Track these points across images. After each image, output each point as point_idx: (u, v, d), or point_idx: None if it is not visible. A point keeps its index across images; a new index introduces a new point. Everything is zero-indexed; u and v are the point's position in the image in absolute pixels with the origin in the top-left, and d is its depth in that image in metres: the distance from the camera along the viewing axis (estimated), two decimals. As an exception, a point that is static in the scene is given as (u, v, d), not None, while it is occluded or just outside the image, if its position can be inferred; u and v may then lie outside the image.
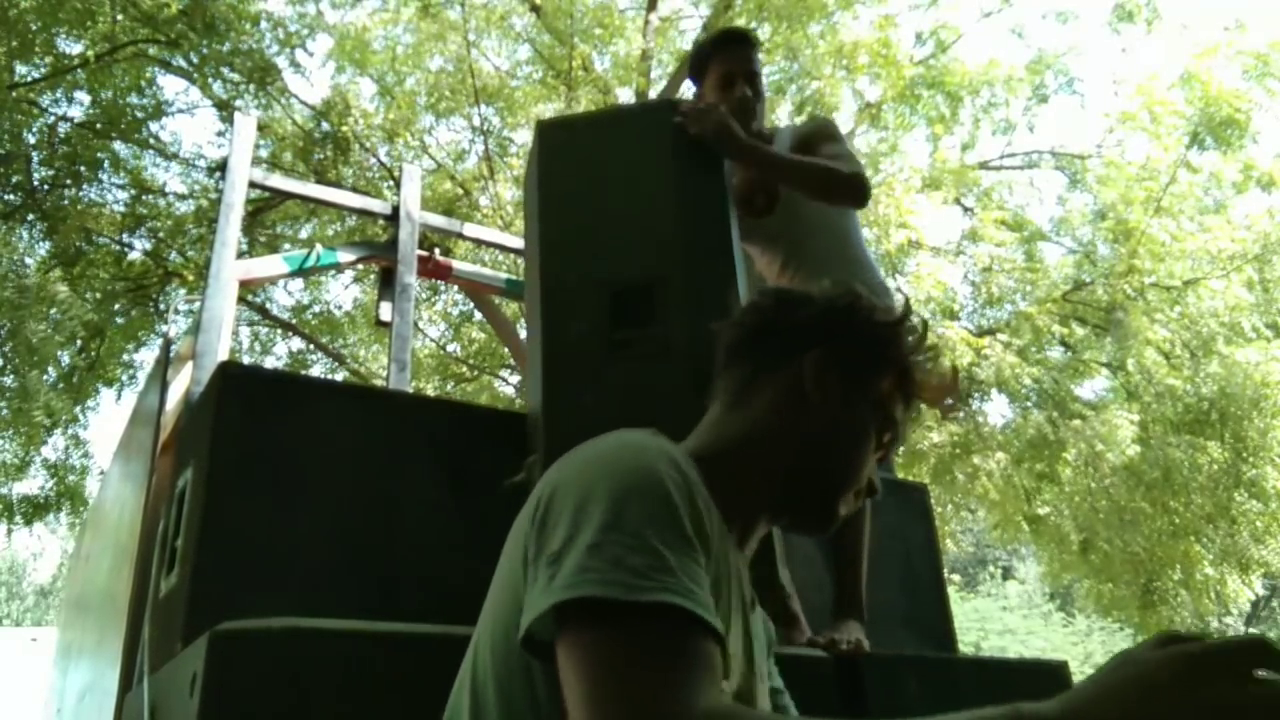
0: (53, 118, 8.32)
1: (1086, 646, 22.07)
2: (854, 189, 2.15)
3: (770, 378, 1.00)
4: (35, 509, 8.45)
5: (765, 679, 1.01)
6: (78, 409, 8.45)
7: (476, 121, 9.23)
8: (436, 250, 5.17)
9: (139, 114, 8.60)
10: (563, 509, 0.77)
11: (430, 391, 10.28)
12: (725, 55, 2.34)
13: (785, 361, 1.00)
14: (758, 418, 0.99)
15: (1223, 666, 0.55)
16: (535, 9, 9.21)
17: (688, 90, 2.74)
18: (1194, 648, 0.57)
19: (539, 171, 2.00)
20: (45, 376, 7.58)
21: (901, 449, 8.23)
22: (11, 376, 7.47)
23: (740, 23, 8.74)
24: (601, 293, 1.78)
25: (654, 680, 0.66)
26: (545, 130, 2.08)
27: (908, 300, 1.08)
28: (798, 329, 1.02)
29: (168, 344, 3.07)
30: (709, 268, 1.82)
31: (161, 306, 8.78)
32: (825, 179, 2.13)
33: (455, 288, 8.96)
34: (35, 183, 8.27)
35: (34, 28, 7.55)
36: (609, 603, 0.68)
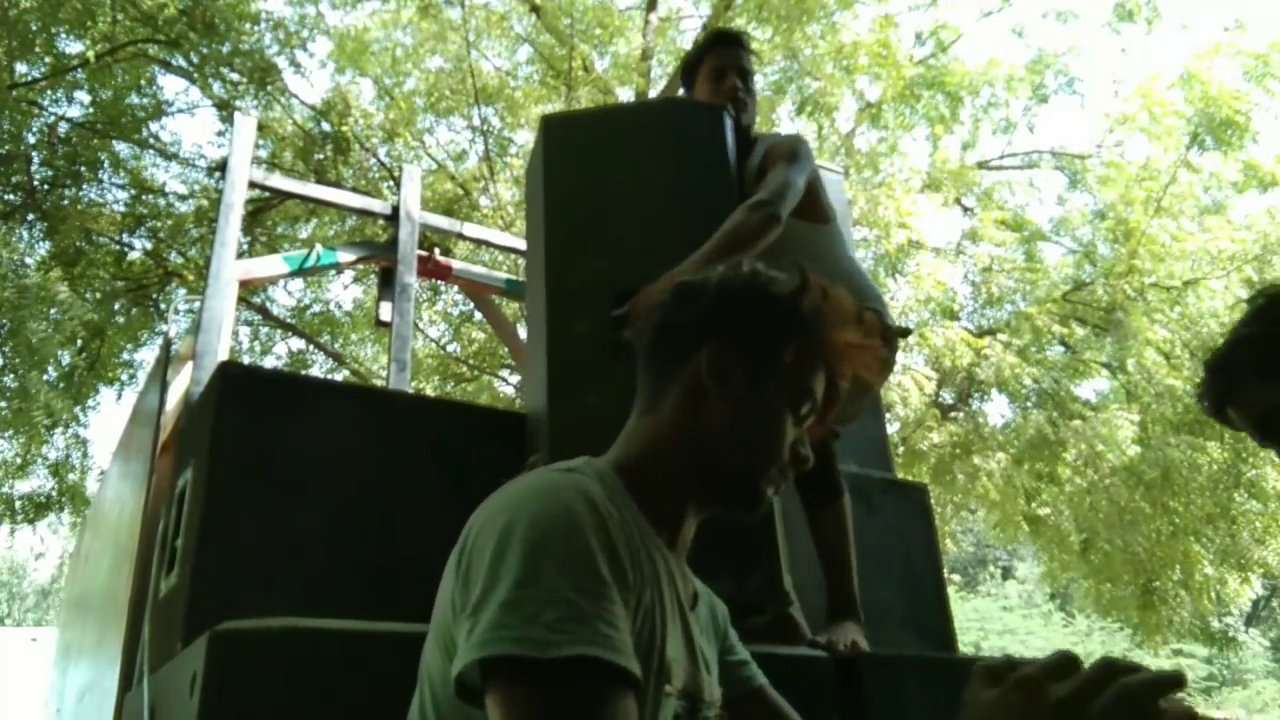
0: (53, 118, 8.33)
1: (1086, 646, 22.08)
2: (754, 229, 1.90)
3: (674, 378, 1.01)
4: (36, 508, 8.45)
5: (714, 667, 1.04)
6: (78, 409, 8.46)
7: (476, 121, 9.23)
8: (436, 250, 5.17)
9: (139, 114, 8.60)
10: (481, 560, 0.79)
11: (430, 391, 10.29)
12: (717, 52, 2.33)
13: (685, 359, 1.00)
14: (664, 420, 1.00)
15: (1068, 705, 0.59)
16: (535, 9, 9.21)
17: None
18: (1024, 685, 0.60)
19: (544, 167, 2.00)
20: (45, 376, 7.58)
21: (902, 450, 8.23)
22: (11, 376, 7.47)
23: (740, 23, 8.74)
24: (606, 293, 1.78)
25: None
26: (550, 125, 2.08)
27: (803, 269, 1.04)
28: (693, 323, 1.02)
29: (168, 344, 3.07)
30: None
31: (161, 306, 8.78)
32: (732, 242, 1.88)
33: (455, 288, 8.97)
34: (35, 183, 8.27)
35: (34, 28, 7.55)
36: (525, 660, 0.71)
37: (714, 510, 1.03)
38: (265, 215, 8.86)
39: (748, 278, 1.04)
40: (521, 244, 6.05)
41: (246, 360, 9.95)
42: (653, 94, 8.91)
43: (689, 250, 1.79)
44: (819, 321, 1.01)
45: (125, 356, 9.24)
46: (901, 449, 8.31)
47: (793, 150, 2.12)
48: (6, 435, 8.11)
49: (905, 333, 3.12)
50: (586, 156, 2.00)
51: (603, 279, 1.83)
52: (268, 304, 10.02)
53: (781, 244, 2.15)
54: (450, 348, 10.95)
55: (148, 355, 9.24)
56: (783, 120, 9.13)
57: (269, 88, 8.54)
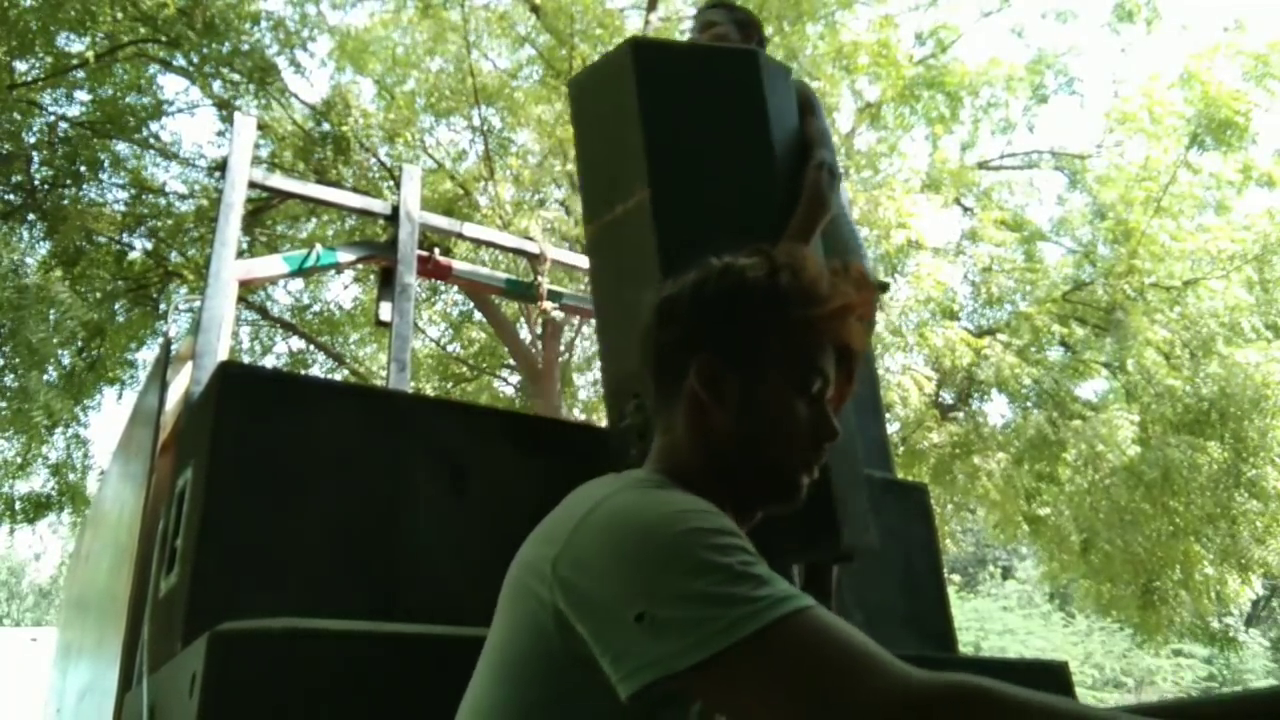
0: (53, 117, 8.32)
1: (1086, 646, 22.08)
2: (827, 188, 2.08)
3: (678, 397, 1.02)
4: (36, 508, 8.45)
5: None
6: (78, 409, 8.45)
7: (476, 121, 9.23)
8: (436, 250, 5.17)
9: (139, 114, 8.60)
10: (626, 574, 0.80)
11: (430, 391, 10.29)
12: (698, 17, 2.57)
13: (680, 378, 1.02)
14: (680, 439, 1.01)
15: None
16: (535, 9, 9.21)
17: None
18: None
19: (638, 89, 1.97)
20: (45, 376, 7.58)
21: (902, 450, 8.24)
22: (11, 376, 7.47)
23: (740, 23, 8.72)
24: (720, 228, 1.77)
25: (847, 664, 0.72)
26: (642, 48, 2.08)
27: (765, 249, 1.04)
28: (678, 341, 1.03)
29: (168, 344, 3.07)
30: None
31: (161, 306, 8.78)
32: (816, 207, 2.04)
33: (455, 288, 8.97)
34: (35, 183, 8.27)
35: (34, 27, 7.54)
36: (754, 636, 0.73)
37: (758, 509, 1.03)
38: (265, 215, 8.86)
39: (718, 279, 1.03)
40: (522, 244, 6.05)
41: (246, 360, 9.95)
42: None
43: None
44: (801, 297, 1.00)
45: (125, 356, 9.24)
46: (901, 449, 8.31)
47: (808, 100, 2.24)
48: (6, 435, 8.11)
49: (884, 287, 3.20)
50: (682, 87, 2.02)
51: (716, 217, 1.83)
52: (268, 304, 10.02)
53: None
54: (450, 348, 10.95)
55: (148, 355, 9.24)
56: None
57: (269, 88, 8.53)
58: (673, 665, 0.74)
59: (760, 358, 1.00)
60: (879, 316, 6.71)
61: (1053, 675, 2.09)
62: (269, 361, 10.47)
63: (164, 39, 7.99)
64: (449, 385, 10.56)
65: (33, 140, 8.15)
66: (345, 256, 4.56)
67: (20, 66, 7.85)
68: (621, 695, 0.76)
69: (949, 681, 0.71)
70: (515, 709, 0.86)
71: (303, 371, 9.98)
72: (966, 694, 0.70)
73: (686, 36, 9.98)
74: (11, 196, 8.16)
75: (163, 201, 9.07)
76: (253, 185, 4.22)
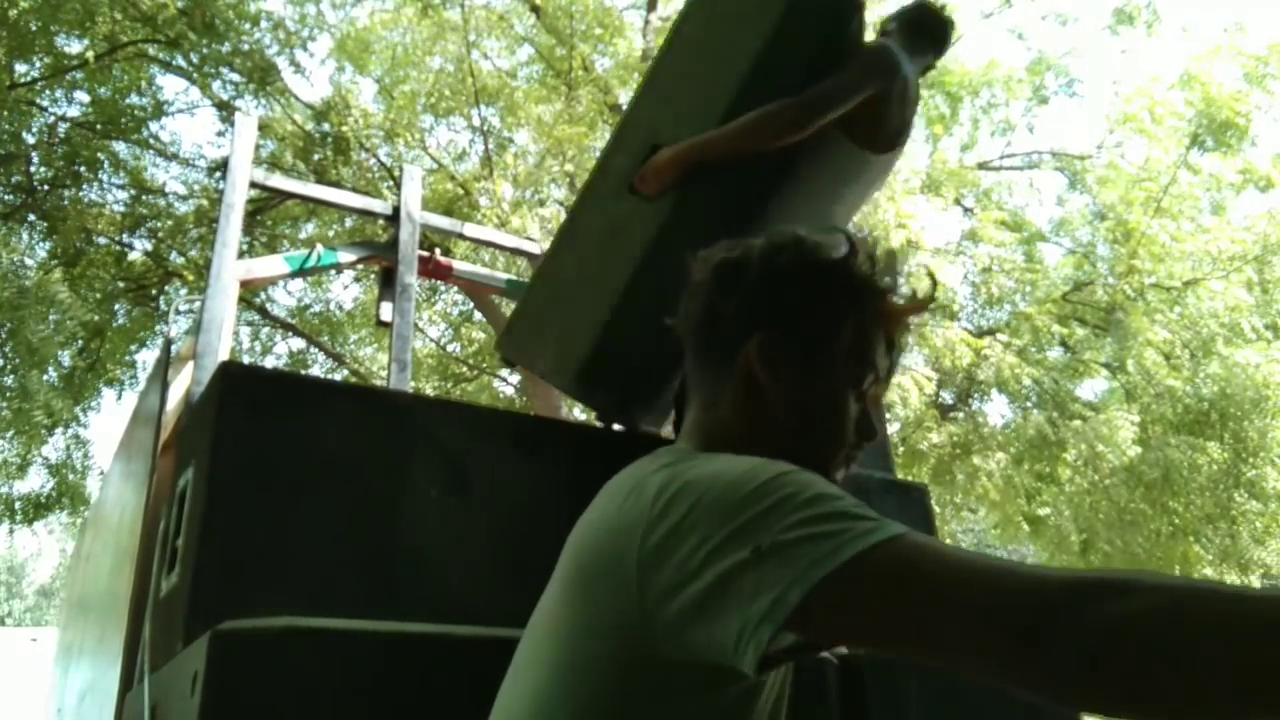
0: (52, 118, 8.33)
1: (1086, 647, 22.07)
2: (771, 127, 1.89)
3: (728, 371, 0.95)
4: (36, 508, 8.46)
5: None
6: (78, 409, 8.46)
7: (476, 121, 9.24)
8: (437, 250, 5.17)
9: (139, 114, 8.60)
10: (739, 522, 0.72)
11: (430, 391, 10.28)
12: None
13: (734, 351, 0.95)
14: (726, 416, 0.95)
15: None
16: (535, 9, 9.21)
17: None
18: None
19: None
20: (45, 376, 7.58)
21: (902, 451, 8.24)
22: (11, 376, 7.48)
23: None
24: None
25: (980, 567, 0.65)
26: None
27: (849, 234, 0.97)
28: (738, 312, 0.96)
29: (168, 344, 3.07)
30: None
31: (162, 306, 8.78)
32: (748, 132, 1.91)
33: (455, 288, 8.96)
34: (35, 183, 8.27)
35: (34, 28, 7.55)
36: (881, 543, 0.68)
37: None
38: (265, 215, 8.87)
39: (794, 251, 0.96)
40: (523, 244, 6.05)
41: (247, 360, 9.96)
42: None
43: None
44: (872, 288, 0.95)
45: (126, 357, 9.24)
46: (901, 449, 8.31)
47: (855, 57, 1.99)
48: (6, 435, 8.11)
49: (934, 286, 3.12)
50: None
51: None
52: (268, 304, 10.03)
53: (835, 170, 2.06)
54: (450, 348, 10.95)
55: (148, 355, 9.25)
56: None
57: (269, 88, 8.54)
58: (810, 577, 0.67)
59: (827, 346, 0.94)
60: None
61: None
62: (269, 362, 10.48)
63: (164, 39, 7.99)
64: (449, 385, 10.56)
65: (32, 140, 8.16)
66: (345, 256, 4.56)
67: (20, 67, 7.86)
68: (757, 642, 0.68)
69: (1089, 575, 0.63)
70: (595, 707, 0.80)
71: (303, 371, 9.98)
72: (1111, 583, 0.61)
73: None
74: (11, 197, 8.16)
75: (163, 202, 9.08)
76: (253, 185, 4.21)
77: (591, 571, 0.81)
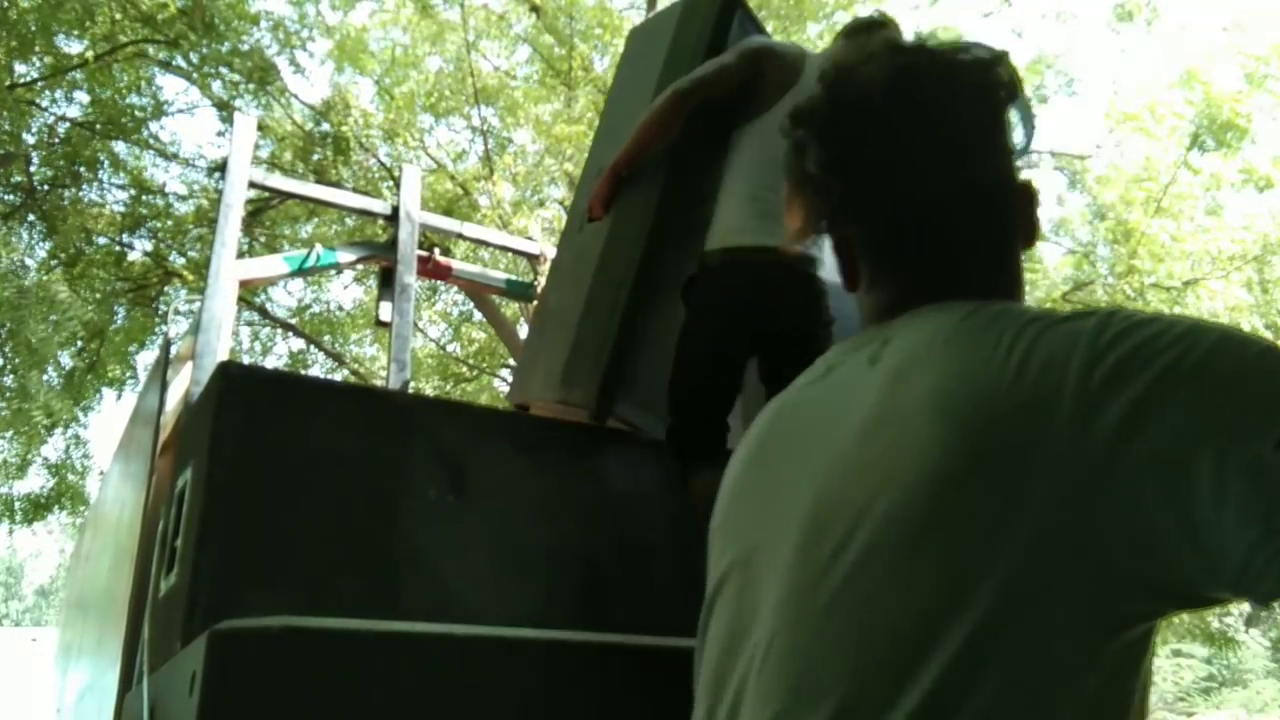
0: (52, 118, 8.33)
1: (1086, 647, 22.03)
2: (655, 110, 2.19)
3: (1011, 222, 0.85)
4: (35, 508, 8.45)
5: None
6: (78, 409, 8.46)
7: (476, 121, 9.23)
8: (436, 250, 5.17)
9: (139, 114, 8.60)
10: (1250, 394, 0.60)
11: (430, 391, 10.28)
12: None
13: (1002, 195, 0.84)
14: (1013, 266, 0.86)
15: None
16: (535, 9, 9.21)
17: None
18: None
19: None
20: (45, 376, 7.58)
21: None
22: (11, 377, 7.48)
23: (740, 23, 8.74)
24: None
25: None
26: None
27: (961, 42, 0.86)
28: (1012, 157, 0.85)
29: (168, 344, 3.08)
30: None
31: (161, 306, 8.78)
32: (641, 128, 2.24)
33: (455, 288, 8.96)
34: (35, 183, 8.27)
35: (34, 28, 7.55)
36: None
37: None
38: (265, 215, 8.86)
39: (989, 60, 0.84)
40: (522, 244, 6.06)
41: (246, 360, 9.96)
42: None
43: None
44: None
45: (125, 357, 9.24)
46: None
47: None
48: (6, 435, 8.11)
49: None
50: None
51: None
52: (268, 304, 10.02)
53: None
54: (450, 348, 10.95)
55: (148, 355, 9.25)
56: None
57: (269, 88, 8.54)
58: None
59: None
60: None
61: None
62: (269, 362, 10.48)
63: (164, 39, 7.99)
64: (449, 385, 10.56)
65: (32, 140, 8.16)
66: (345, 256, 4.56)
67: (20, 67, 7.86)
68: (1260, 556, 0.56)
69: None
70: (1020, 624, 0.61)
71: (303, 372, 9.99)
72: None
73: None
74: (11, 196, 8.16)
75: (162, 202, 9.07)
76: (253, 185, 4.22)
77: (999, 459, 0.64)
